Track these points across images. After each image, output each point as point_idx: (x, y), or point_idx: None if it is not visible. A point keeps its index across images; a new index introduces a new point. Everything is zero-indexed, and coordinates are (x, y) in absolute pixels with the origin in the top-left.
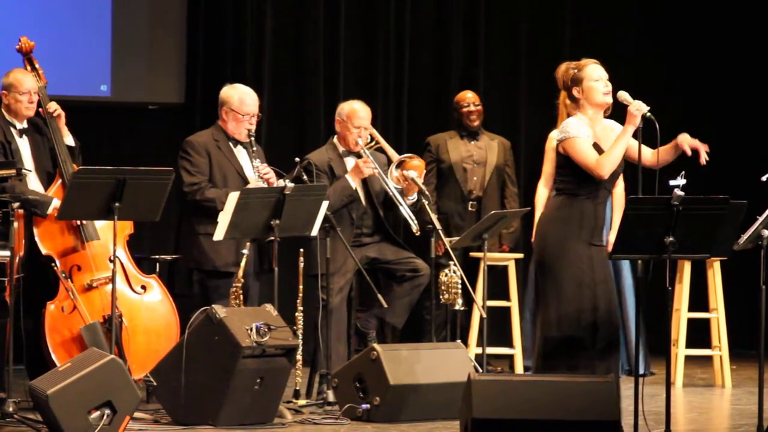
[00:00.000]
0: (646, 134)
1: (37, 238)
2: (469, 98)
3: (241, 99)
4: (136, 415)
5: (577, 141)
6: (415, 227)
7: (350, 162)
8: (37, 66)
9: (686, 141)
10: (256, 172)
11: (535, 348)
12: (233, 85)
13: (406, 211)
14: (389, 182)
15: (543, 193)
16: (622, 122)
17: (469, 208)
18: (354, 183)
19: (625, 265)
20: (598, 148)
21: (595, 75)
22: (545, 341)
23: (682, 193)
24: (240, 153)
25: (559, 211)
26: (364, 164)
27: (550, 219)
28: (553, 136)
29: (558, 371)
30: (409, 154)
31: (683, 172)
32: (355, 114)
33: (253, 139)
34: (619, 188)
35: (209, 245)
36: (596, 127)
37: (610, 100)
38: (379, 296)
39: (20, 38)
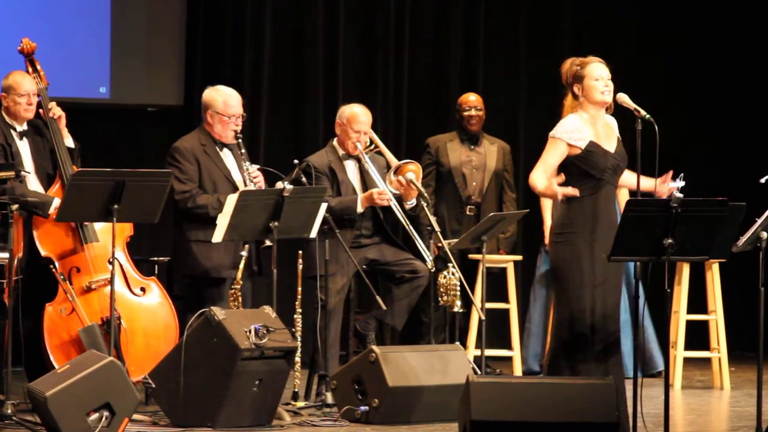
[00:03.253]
0: (646, 136)
1: (36, 240)
2: (471, 101)
3: (225, 101)
4: (135, 417)
5: (553, 142)
6: (430, 264)
7: (349, 165)
8: (38, 67)
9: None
10: (246, 174)
11: (548, 348)
12: (215, 88)
13: (420, 246)
14: (402, 215)
15: None
16: (622, 123)
17: (467, 212)
18: (361, 208)
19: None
20: (598, 147)
21: (595, 74)
22: (554, 342)
23: (681, 195)
24: (227, 156)
25: (564, 213)
26: (379, 196)
27: (558, 223)
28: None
29: (562, 373)
30: (406, 160)
31: (682, 174)
32: (356, 118)
33: (240, 140)
34: (624, 191)
35: (201, 252)
36: (597, 125)
37: (608, 99)
38: (378, 298)
39: (22, 39)
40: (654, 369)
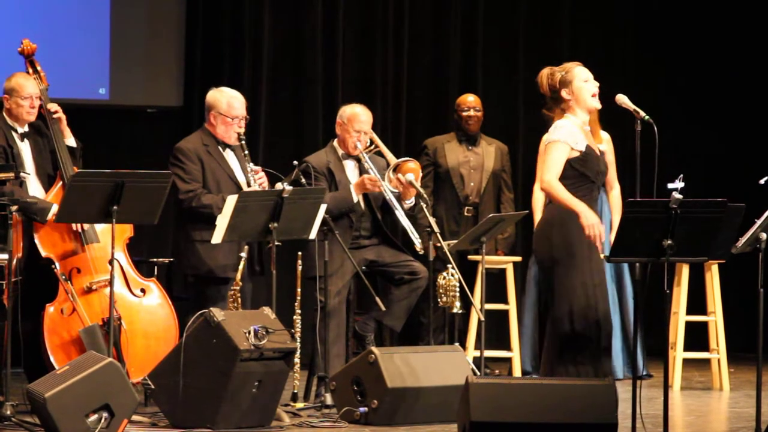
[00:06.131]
0: (645, 137)
1: (37, 241)
2: (469, 102)
3: (229, 103)
4: (134, 418)
5: (557, 146)
6: (418, 245)
7: (349, 165)
8: (39, 68)
9: None
10: (251, 175)
11: (545, 347)
12: (219, 89)
13: (409, 228)
14: (394, 200)
15: (539, 196)
16: (621, 125)
17: (465, 213)
18: (356, 197)
19: (626, 268)
20: (593, 150)
21: (584, 76)
22: (558, 339)
23: (680, 196)
24: (230, 157)
25: (562, 213)
26: (370, 182)
27: (554, 221)
28: (546, 140)
29: (569, 368)
30: (405, 158)
31: (681, 175)
32: (356, 118)
33: (243, 142)
34: (616, 191)
35: (205, 251)
36: (584, 129)
37: (598, 105)
38: (378, 299)
39: (22, 40)
40: (639, 372)
